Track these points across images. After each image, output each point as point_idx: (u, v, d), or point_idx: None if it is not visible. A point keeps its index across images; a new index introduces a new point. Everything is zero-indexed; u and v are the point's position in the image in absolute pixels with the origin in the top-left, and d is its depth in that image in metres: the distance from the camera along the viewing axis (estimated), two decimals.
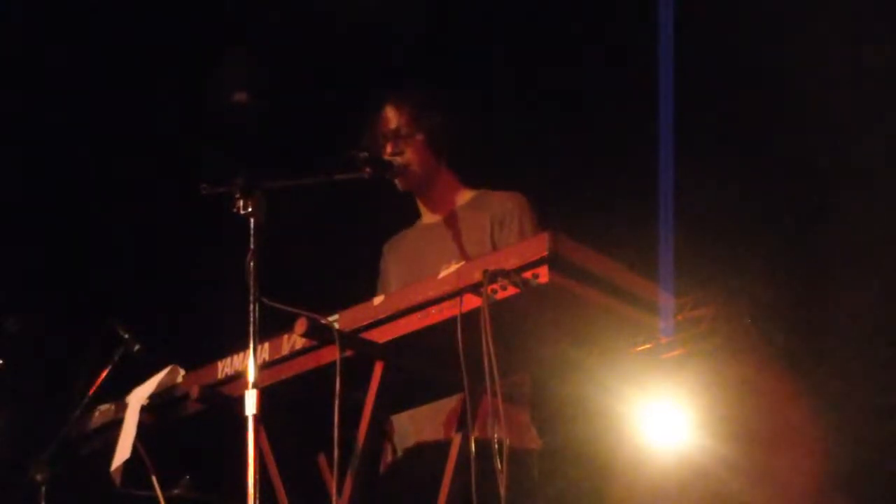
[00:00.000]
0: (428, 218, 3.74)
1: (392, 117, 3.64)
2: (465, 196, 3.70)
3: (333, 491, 2.84)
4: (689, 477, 5.99)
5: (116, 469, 3.28)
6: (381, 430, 3.44)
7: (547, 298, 2.76)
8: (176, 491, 3.72)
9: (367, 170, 3.41)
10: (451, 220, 3.65)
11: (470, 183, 3.73)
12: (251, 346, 2.87)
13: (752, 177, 5.67)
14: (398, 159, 3.59)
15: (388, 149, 3.61)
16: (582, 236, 2.80)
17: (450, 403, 3.27)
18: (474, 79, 5.59)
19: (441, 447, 3.19)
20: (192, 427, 3.36)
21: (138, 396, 3.37)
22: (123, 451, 3.27)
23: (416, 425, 3.47)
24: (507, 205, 3.57)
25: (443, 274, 2.86)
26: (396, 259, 3.75)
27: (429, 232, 3.69)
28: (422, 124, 3.63)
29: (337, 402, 2.75)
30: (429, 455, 3.34)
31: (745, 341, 6.05)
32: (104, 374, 3.78)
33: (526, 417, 3.49)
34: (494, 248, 3.49)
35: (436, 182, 3.69)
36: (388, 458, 3.58)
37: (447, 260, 3.32)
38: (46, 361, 5.03)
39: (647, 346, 6.04)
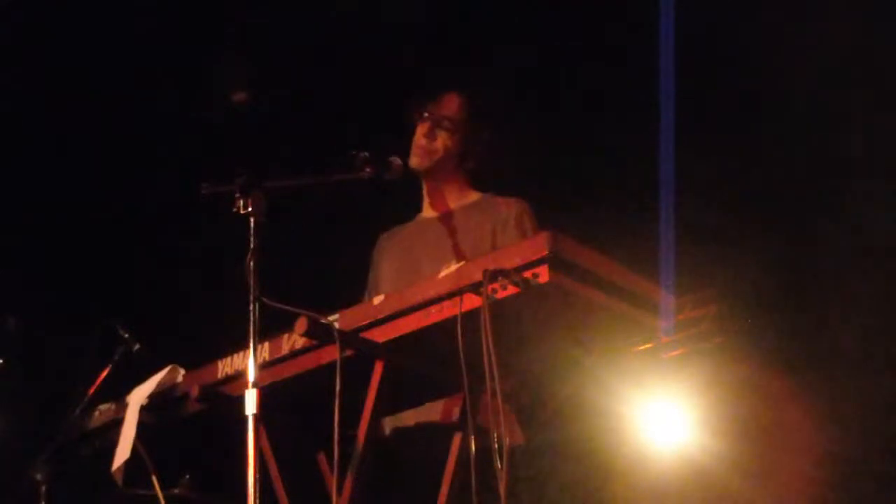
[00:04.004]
0: (428, 212, 3.75)
1: (450, 106, 3.67)
2: (469, 197, 3.72)
3: (333, 490, 2.84)
4: (690, 477, 5.98)
5: (118, 469, 3.28)
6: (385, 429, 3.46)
7: (547, 298, 2.76)
8: (176, 491, 3.73)
9: (367, 169, 3.42)
10: (450, 219, 3.65)
11: (476, 184, 3.75)
12: (251, 345, 2.87)
13: (753, 176, 5.66)
14: (397, 159, 3.58)
15: (424, 128, 3.64)
16: (582, 236, 2.80)
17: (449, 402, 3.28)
18: (474, 77, 5.58)
19: (420, 430, 3.22)
20: (192, 427, 3.36)
21: (138, 396, 3.37)
22: (124, 451, 3.27)
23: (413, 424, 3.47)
24: (509, 209, 3.59)
25: (443, 273, 2.87)
26: (391, 251, 3.75)
27: (427, 227, 3.70)
28: (469, 129, 3.66)
29: (337, 402, 2.75)
30: (409, 439, 3.36)
31: (745, 341, 6.05)
32: (104, 374, 3.78)
33: (509, 413, 3.49)
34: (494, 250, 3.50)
35: (447, 179, 3.71)
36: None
37: (442, 257, 3.33)
38: (46, 361, 5.03)
39: (648, 345, 6.03)
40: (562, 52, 5.70)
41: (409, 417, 3.40)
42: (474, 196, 3.72)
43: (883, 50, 5.12)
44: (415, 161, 3.66)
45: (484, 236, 3.56)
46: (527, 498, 3.33)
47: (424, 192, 3.77)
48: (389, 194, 3.70)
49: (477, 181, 3.75)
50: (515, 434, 3.48)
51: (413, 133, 3.73)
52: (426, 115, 3.68)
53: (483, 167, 3.72)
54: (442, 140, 3.66)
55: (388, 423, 3.49)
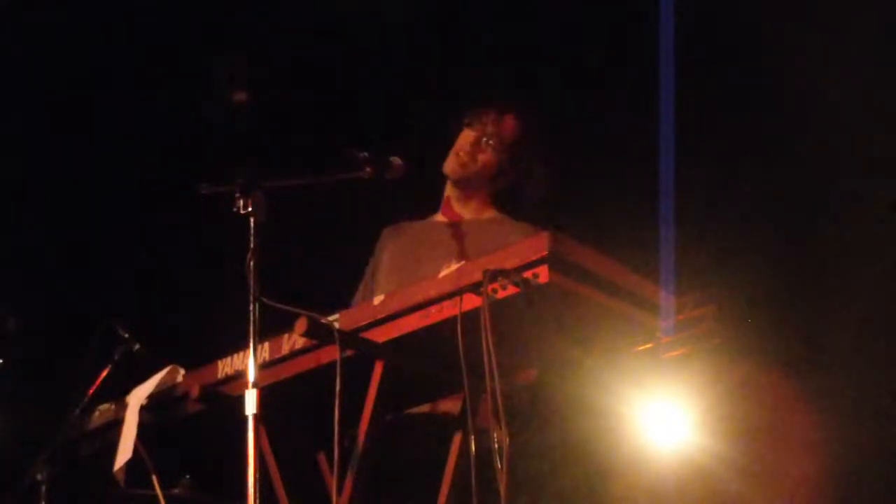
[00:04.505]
0: (441, 217, 3.75)
1: (506, 126, 3.66)
2: (486, 213, 3.72)
3: (333, 490, 2.84)
4: (689, 477, 5.98)
5: (120, 469, 3.28)
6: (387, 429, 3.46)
7: (547, 298, 2.76)
8: (176, 491, 3.73)
9: (368, 169, 3.42)
10: (461, 228, 3.66)
11: (495, 203, 3.75)
12: (251, 345, 2.87)
13: (753, 176, 5.66)
14: (397, 159, 3.58)
15: (471, 137, 3.62)
16: (582, 236, 2.80)
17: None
18: (474, 77, 5.58)
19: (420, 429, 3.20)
20: (192, 427, 3.36)
21: (138, 396, 3.37)
22: (125, 451, 3.27)
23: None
24: (523, 235, 3.58)
25: (443, 273, 2.87)
26: (393, 246, 3.75)
27: (435, 230, 3.70)
28: (513, 154, 3.65)
29: (337, 402, 2.75)
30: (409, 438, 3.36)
31: (745, 341, 6.04)
32: (104, 374, 3.78)
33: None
34: None
35: (473, 192, 3.71)
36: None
37: (444, 261, 3.33)
38: (46, 361, 5.03)
39: (648, 345, 6.02)
40: (562, 52, 5.70)
41: (409, 417, 3.40)
42: (491, 213, 3.72)
43: (884, 49, 5.13)
44: (452, 167, 3.66)
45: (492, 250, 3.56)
46: (526, 499, 3.33)
47: (445, 195, 3.76)
48: (389, 194, 3.70)
49: (498, 200, 3.75)
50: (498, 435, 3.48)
51: (454, 135, 3.72)
52: (479, 126, 3.66)
53: (511, 191, 3.72)
54: (485, 156, 3.66)
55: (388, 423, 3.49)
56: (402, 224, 3.82)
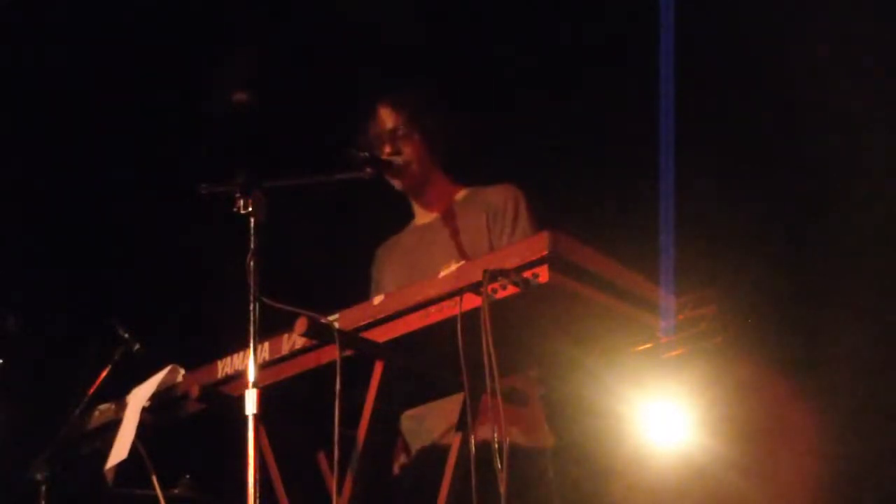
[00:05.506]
0: (422, 218, 3.74)
1: (390, 117, 3.65)
2: (456, 194, 3.71)
3: (333, 490, 2.84)
4: (689, 477, 5.98)
5: (110, 469, 3.28)
6: (391, 429, 3.45)
7: (547, 298, 2.76)
8: (176, 491, 3.73)
9: (368, 169, 3.42)
10: (446, 219, 3.65)
11: (462, 181, 3.74)
12: (251, 345, 2.87)
13: (753, 176, 5.66)
14: (397, 159, 3.60)
15: (386, 149, 3.62)
16: (582, 236, 2.80)
17: (455, 401, 3.26)
18: (472, 76, 5.58)
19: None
20: (192, 427, 3.36)
21: (138, 396, 3.38)
22: (120, 451, 3.27)
23: (423, 423, 3.46)
24: (499, 197, 3.58)
25: (443, 273, 2.86)
26: (392, 262, 3.74)
27: (424, 232, 3.69)
28: (420, 124, 3.64)
29: (337, 402, 2.75)
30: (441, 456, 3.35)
31: (745, 341, 6.04)
32: (104, 374, 3.78)
33: (539, 415, 3.48)
34: (491, 242, 3.50)
35: (432, 181, 3.70)
36: (401, 456, 3.58)
37: (446, 258, 3.32)
38: (46, 361, 5.03)
39: (648, 345, 6.03)
40: (563, 52, 5.70)
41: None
42: (462, 192, 3.71)
43: (884, 49, 5.13)
44: (399, 182, 3.65)
45: (480, 229, 3.55)
46: (542, 499, 3.33)
47: (414, 204, 3.76)
48: (389, 194, 3.71)
49: (458, 175, 3.74)
50: (545, 436, 3.47)
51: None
52: (378, 140, 3.65)
53: (454, 154, 3.70)
54: (406, 147, 3.64)
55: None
56: (392, 240, 3.81)
